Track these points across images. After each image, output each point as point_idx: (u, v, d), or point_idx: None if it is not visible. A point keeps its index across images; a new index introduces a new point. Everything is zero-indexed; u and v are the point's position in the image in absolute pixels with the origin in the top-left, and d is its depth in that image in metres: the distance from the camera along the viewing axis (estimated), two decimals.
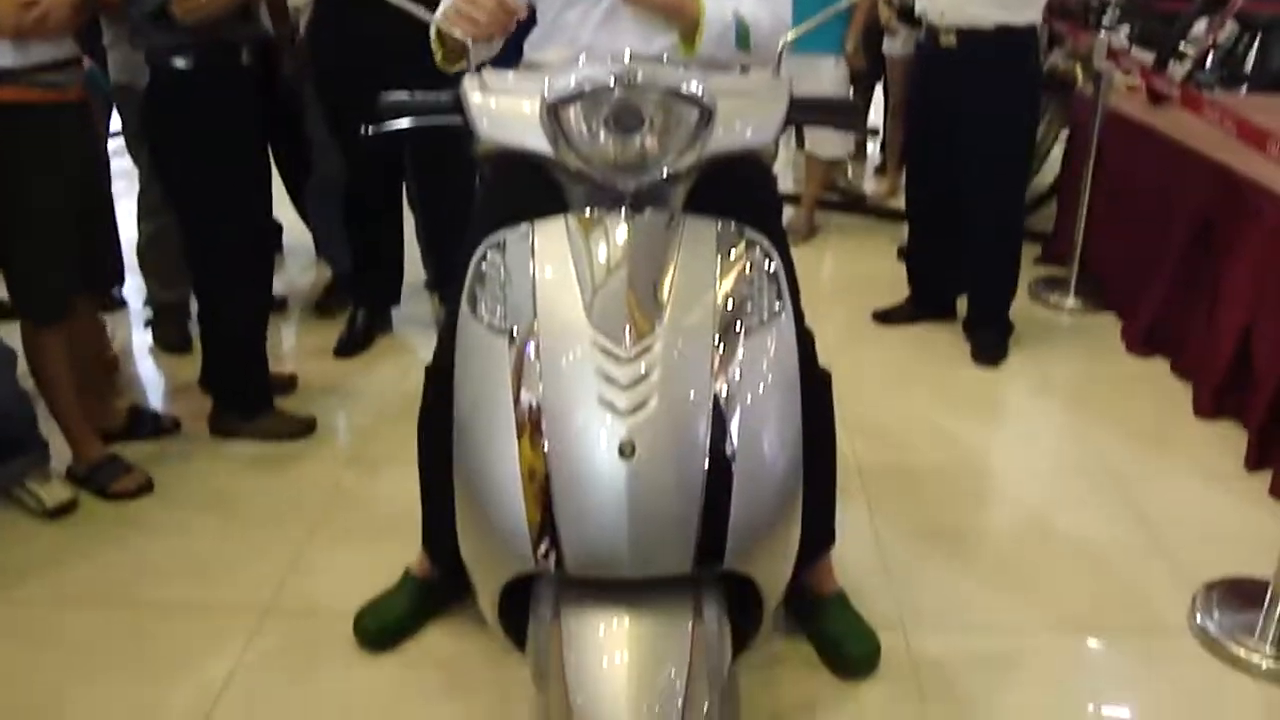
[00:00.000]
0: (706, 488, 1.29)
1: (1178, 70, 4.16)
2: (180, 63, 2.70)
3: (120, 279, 3.04)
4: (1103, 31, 4.39)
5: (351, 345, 3.66)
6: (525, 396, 1.34)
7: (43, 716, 2.06)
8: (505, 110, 1.50)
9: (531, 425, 1.32)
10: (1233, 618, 2.28)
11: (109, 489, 2.75)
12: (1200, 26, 4.42)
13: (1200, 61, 4.51)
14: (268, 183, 3.03)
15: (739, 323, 1.39)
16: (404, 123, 1.59)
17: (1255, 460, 2.91)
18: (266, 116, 2.93)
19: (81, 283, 2.75)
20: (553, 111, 1.42)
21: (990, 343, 3.63)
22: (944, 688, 2.12)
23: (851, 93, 4.11)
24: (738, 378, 1.35)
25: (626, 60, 1.52)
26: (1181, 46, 4.26)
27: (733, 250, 1.45)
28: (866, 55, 5.00)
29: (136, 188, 3.56)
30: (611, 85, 1.39)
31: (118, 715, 2.06)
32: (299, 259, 4.46)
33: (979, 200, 3.54)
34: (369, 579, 2.31)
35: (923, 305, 3.90)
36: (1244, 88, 4.98)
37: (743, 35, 1.80)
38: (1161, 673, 2.19)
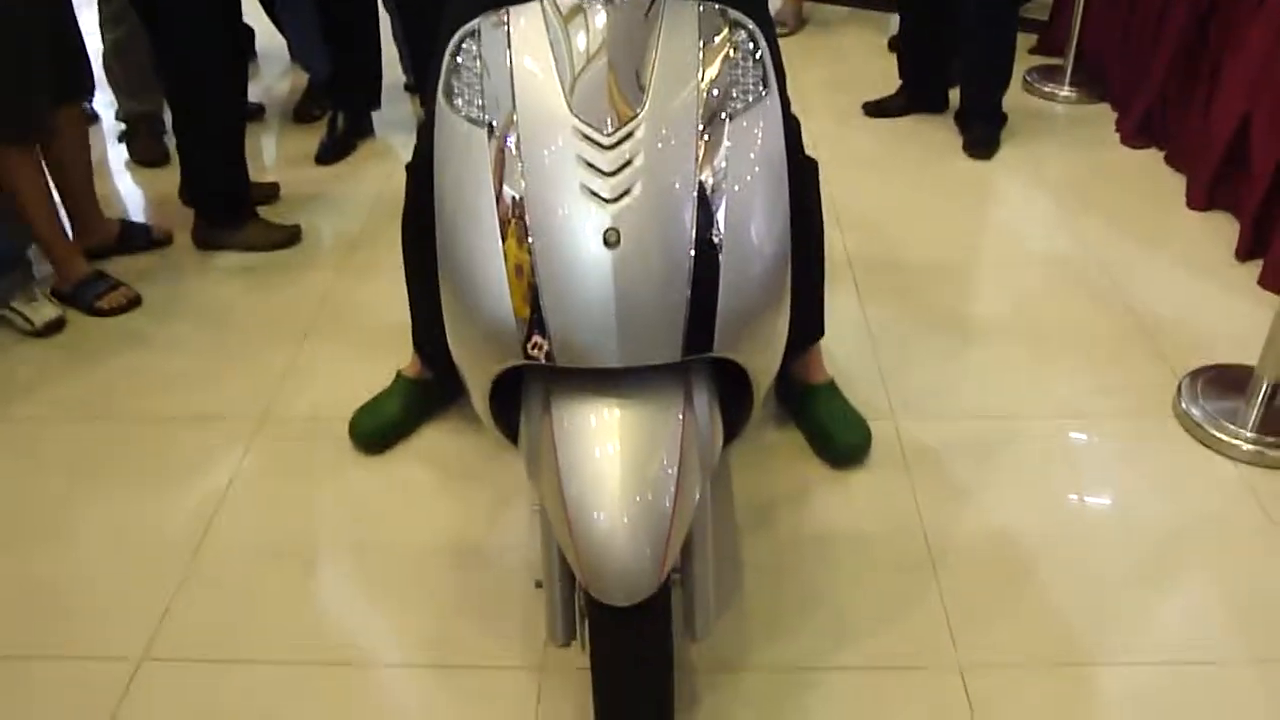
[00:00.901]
0: (693, 274, 1.28)
1: None
2: None
3: (93, 86, 2.95)
4: None
5: (333, 151, 3.59)
6: (507, 190, 1.31)
7: (44, 529, 2.10)
8: None
9: (515, 218, 1.30)
10: (1216, 404, 2.31)
11: (95, 305, 2.74)
12: None
13: None
14: None
15: (724, 108, 1.36)
16: None
17: (1246, 250, 2.90)
18: None
19: (57, 96, 2.66)
20: None
21: (983, 134, 3.56)
22: (933, 474, 2.16)
23: None
24: (723, 163, 1.32)
25: None
26: None
27: (716, 34, 1.40)
28: None
29: None
30: None
31: (119, 525, 2.10)
32: (274, 65, 4.33)
33: None
34: (363, 384, 2.33)
35: (914, 97, 3.81)
36: None
37: None
38: (1145, 456, 2.23)
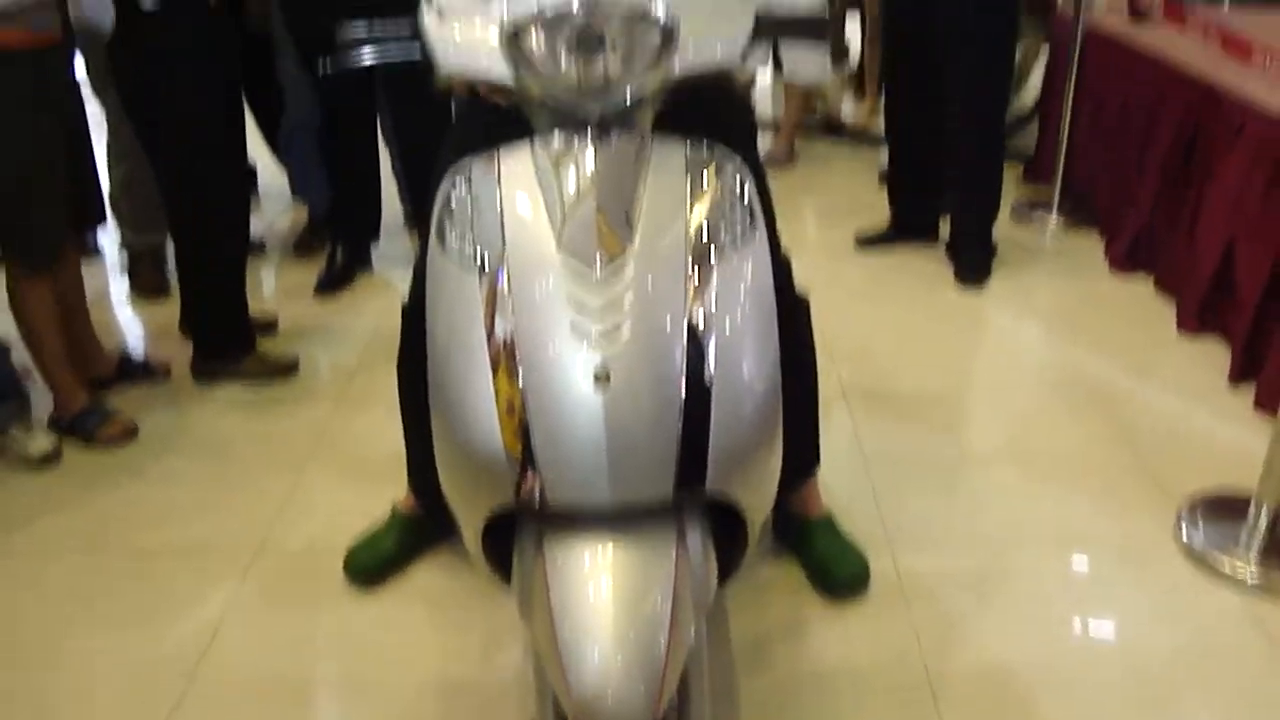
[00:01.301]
0: (684, 413, 1.28)
1: None
2: (147, 2, 2.63)
3: (104, 212, 3.00)
4: None
5: (331, 283, 3.64)
6: (498, 329, 1.32)
7: (36, 662, 2.06)
8: (465, 38, 1.47)
9: (506, 356, 1.31)
10: (1217, 531, 2.30)
11: (94, 435, 2.74)
12: None
13: None
14: (241, 122, 2.98)
15: (712, 245, 1.38)
16: (366, 58, 1.55)
17: (1238, 373, 2.92)
18: (236, 56, 2.88)
19: (70, 226, 2.72)
20: (513, 37, 1.39)
21: (973, 264, 3.61)
22: (931, 604, 2.14)
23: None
24: (712, 301, 1.34)
25: None
26: None
27: (703, 171, 1.43)
28: None
29: (102, 131, 3.49)
30: (573, 8, 1.36)
31: (112, 658, 2.07)
32: (275, 202, 4.41)
33: (959, 120, 3.50)
34: (358, 518, 2.32)
35: (904, 228, 3.87)
36: (1226, 0, 4.91)
37: None
38: (1146, 585, 2.21)
